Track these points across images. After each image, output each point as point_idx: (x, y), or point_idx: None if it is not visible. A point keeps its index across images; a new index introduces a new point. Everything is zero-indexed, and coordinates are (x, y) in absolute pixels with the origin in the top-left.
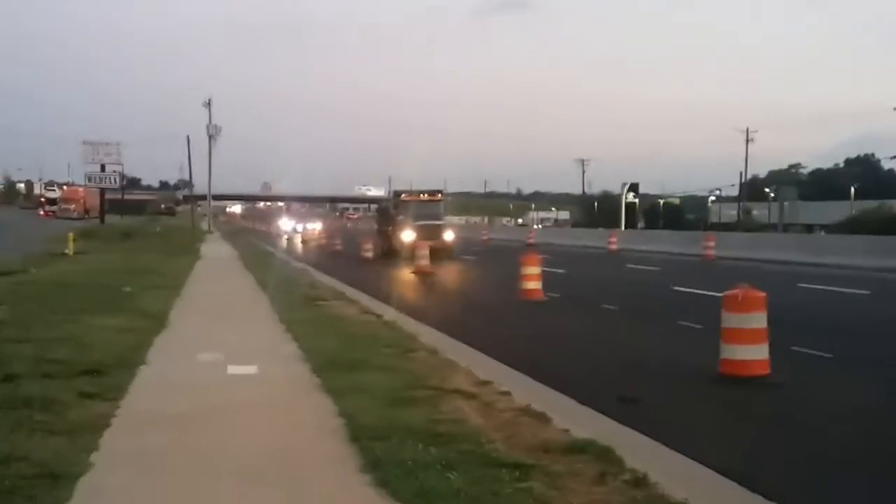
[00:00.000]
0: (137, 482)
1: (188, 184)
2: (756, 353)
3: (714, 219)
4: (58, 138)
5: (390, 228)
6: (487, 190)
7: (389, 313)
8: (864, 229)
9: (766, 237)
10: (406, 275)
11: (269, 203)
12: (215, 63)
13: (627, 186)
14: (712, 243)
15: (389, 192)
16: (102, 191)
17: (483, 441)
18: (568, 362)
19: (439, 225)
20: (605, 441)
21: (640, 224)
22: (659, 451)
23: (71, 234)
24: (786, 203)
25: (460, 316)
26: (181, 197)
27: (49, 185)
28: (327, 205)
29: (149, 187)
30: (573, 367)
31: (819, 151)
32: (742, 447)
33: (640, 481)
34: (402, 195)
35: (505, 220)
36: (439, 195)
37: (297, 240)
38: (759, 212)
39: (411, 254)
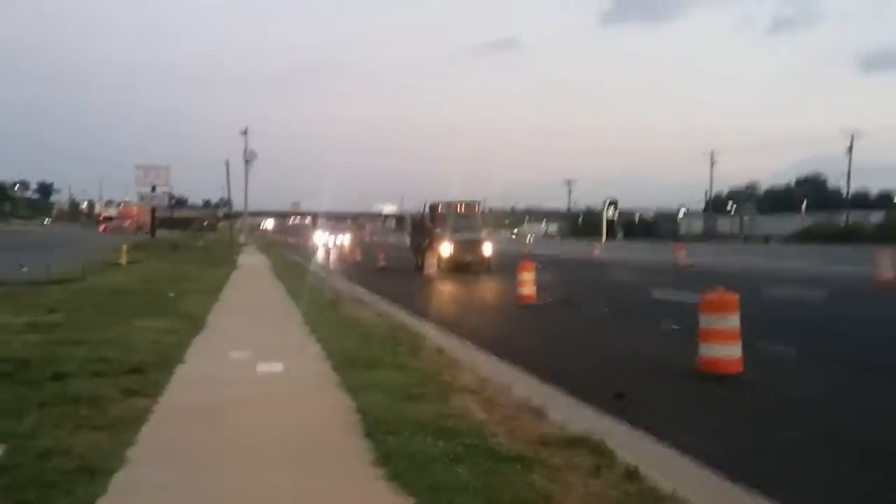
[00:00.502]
0: (170, 473)
1: (227, 202)
2: (730, 352)
3: (683, 231)
4: (116, 164)
5: (426, 241)
6: (487, 207)
7: (397, 314)
8: (814, 239)
9: (732, 247)
10: (419, 280)
11: (297, 219)
12: (255, 97)
13: (608, 202)
14: (684, 251)
15: (423, 206)
16: (153, 209)
17: (487, 435)
18: (561, 360)
19: (477, 239)
20: (599, 435)
21: (620, 235)
22: (647, 444)
23: (124, 247)
24: (745, 217)
25: (463, 317)
26: (221, 214)
27: (108, 204)
28: (349, 220)
29: (194, 206)
30: (566, 364)
31: (774, 171)
32: (719, 437)
33: (632, 474)
34: (439, 206)
35: (505, 232)
36: (477, 207)
37: (329, 251)
38: (722, 224)
39: (449, 267)
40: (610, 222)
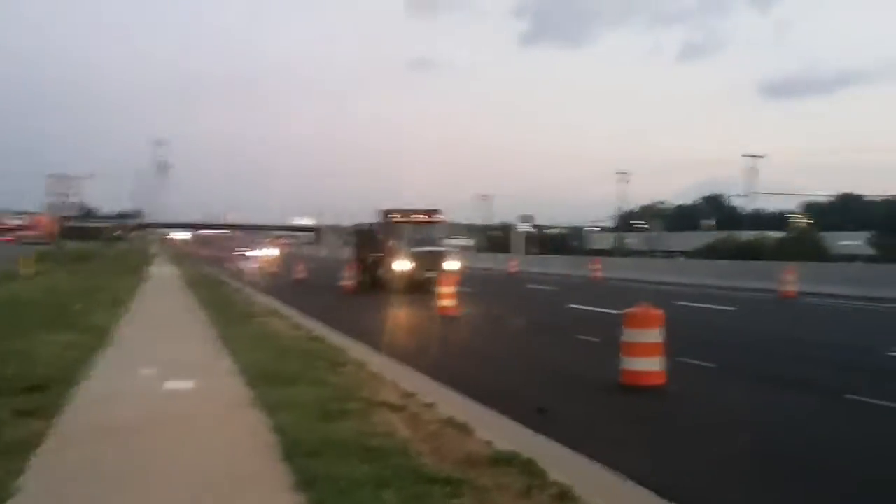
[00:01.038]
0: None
1: (140, 213)
2: (653, 365)
3: (595, 246)
4: (32, 174)
5: (378, 256)
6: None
7: (315, 327)
8: (716, 255)
9: (642, 261)
10: (340, 293)
11: (213, 231)
12: (172, 108)
13: (523, 218)
14: (599, 266)
15: (377, 215)
16: (63, 218)
17: (412, 455)
18: (484, 374)
19: (440, 252)
20: (527, 453)
21: (535, 250)
22: (577, 461)
23: (26, 258)
24: (654, 233)
25: (384, 331)
26: (134, 225)
27: (16, 214)
28: (266, 233)
29: (106, 216)
30: (490, 378)
31: (680, 190)
32: (647, 453)
33: (564, 495)
34: (394, 215)
35: None
36: (439, 215)
37: (247, 264)
38: (631, 240)
39: (406, 285)
40: (525, 236)
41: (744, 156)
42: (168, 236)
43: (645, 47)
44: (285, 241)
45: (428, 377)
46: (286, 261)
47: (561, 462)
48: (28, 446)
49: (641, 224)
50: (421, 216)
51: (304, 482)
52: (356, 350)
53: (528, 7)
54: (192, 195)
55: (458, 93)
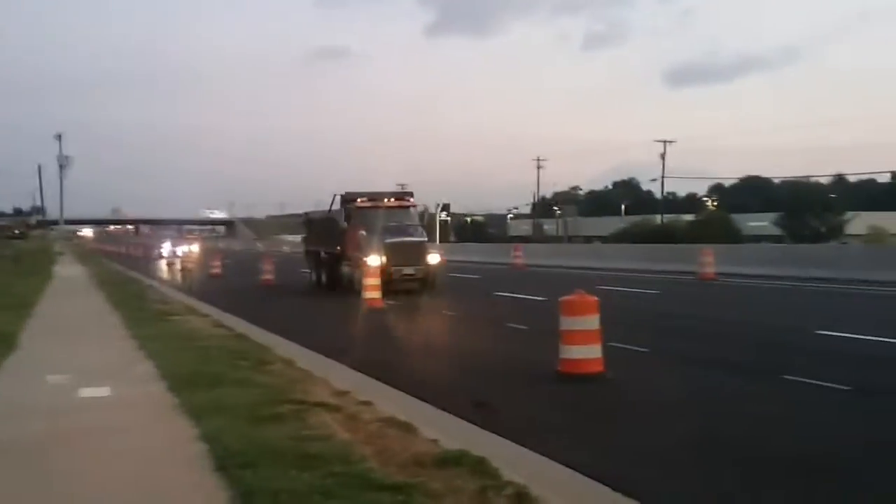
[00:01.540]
0: None
1: (40, 209)
2: (591, 353)
3: (512, 233)
4: None
5: (336, 250)
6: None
7: (236, 324)
8: (632, 239)
9: (562, 247)
10: (258, 288)
11: (118, 226)
12: (71, 99)
13: (440, 206)
14: (520, 253)
15: (334, 199)
16: None
17: (355, 459)
18: (418, 367)
19: (418, 243)
20: (476, 451)
21: (452, 238)
22: (528, 458)
23: None
24: (569, 219)
25: (310, 325)
26: (34, 221)
27: None
28: (175, 227)
29: (4, 213)
30: (426, 371)
31: (593, 176)
32: (592, 443)
33: (522, 496)
34: (358, 200)
35: None
36: (411, 199)
37: (160, 259)
38: (548, 226)
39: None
40: (443, 224)
41: (656, 141)
42: (74, 233)
43: (551, 36)
44: (197, 234)
45: (360, 373)
46: (202, 255)
47: (512, 459)
48: None
49: (557, 210)
50: (391, 200)
51: (241, 496)
52: (283, 347)
53: None
54: (96, 191)
55: (370, 82)
